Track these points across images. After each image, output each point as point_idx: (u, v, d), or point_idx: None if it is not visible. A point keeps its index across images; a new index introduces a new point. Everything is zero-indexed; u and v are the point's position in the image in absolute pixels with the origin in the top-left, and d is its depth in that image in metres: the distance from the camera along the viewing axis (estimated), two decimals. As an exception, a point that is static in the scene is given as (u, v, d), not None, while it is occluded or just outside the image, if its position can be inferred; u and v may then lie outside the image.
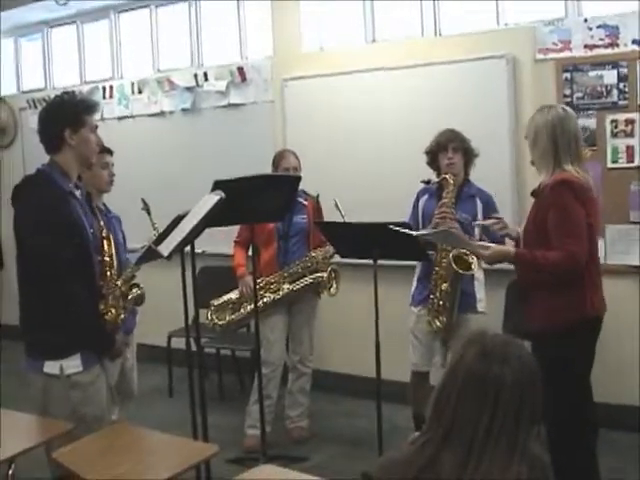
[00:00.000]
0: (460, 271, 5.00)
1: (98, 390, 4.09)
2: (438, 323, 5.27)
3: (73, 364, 3.94)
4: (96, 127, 4.18)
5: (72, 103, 4.09)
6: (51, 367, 3.92)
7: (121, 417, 4.90)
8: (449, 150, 5.36)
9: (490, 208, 5.43)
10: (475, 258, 4.88)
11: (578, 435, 4.27)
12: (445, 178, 5.33)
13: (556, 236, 4.17)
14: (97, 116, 4.37)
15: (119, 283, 4.30)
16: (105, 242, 4.19)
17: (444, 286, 5.21)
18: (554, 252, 4.16)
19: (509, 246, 4.65)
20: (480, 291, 5.40)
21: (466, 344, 2.26)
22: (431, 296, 5.29)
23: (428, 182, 5.49)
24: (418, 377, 5.56)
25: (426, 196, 5.54)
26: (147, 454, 3.68)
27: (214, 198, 4.21)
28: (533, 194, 4.45)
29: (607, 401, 5.55)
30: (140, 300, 4.65)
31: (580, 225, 4.17)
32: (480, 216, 5.37)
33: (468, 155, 5.43)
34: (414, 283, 5.59)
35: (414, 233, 4.66)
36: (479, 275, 5.38)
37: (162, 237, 4.29)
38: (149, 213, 5.00)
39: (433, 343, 5.47)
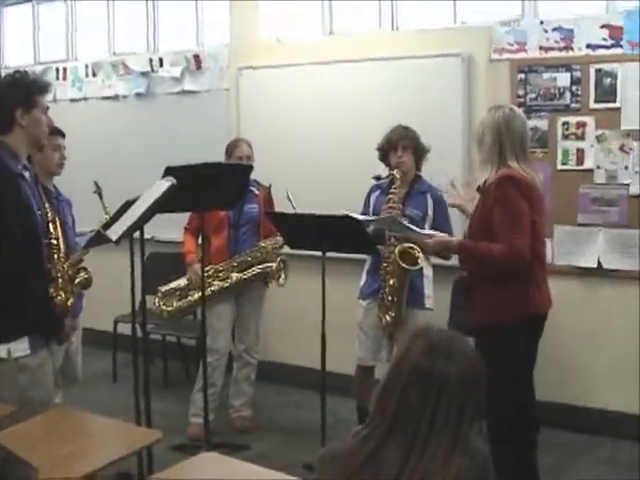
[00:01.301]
0: (405, 266, 5.03)
1: (45, 373, 4.05)
2: (388, 318, 5.29)
3: (21, 347, 3.88)
4: (47, 108, 4.12)
5: (24, 83, 4.02)
6: None
7: (64, 401, 4.87)
8: (399, 148, 5.39)
9: (441, 204, 5.46)
10: (421, 253, 4.92)
11: (519, 431, 4.32)
12: (393, 174, 5.36)
13: (501, 230, 4.21)
14: (50, 97, 4.32)
15: (66, 266, 4.26)
16: (51, 225, 4.13)
17: (392, 281, 5.24)
18: (498, 245, 4.21)
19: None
20: (428, 287, 5.43)
21: (412, 339, 2.28)
22: (381, 291, 5.32)
23: (378, 178, 5.55)
24: (363, 371, 5.58)
25: (377, 192, 5.57)
26: (90, 438, 3.66)
27: (165, 184, 4.19)
28: (479, 190, 4.50)
29: (548, 399, 5.62)
30: (87, 284, 4.63)
31: (524, 220, 4.22)
32: (430, 212, 5.42)
33: (419, 152, 5.47)
34: (363, 276, 5.61)
35: (360, 217, 4.72)
36: (428, 272, 5.42)
37: (111, 222, 4.27)
38: (101, 196, 4.96)
39: (380, 337, 5.50)
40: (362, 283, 5.60)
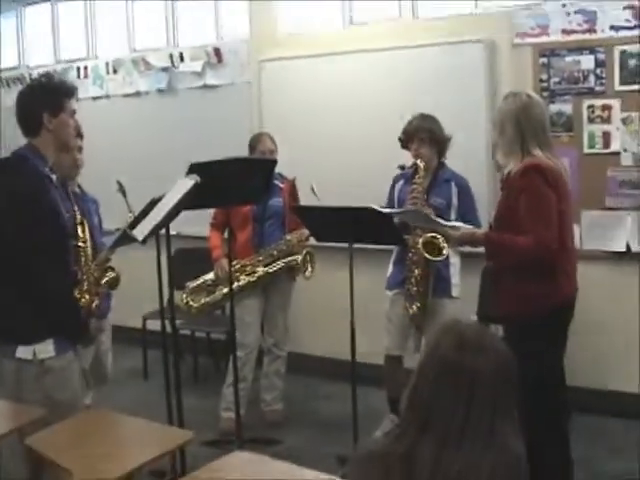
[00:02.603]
0: (429, 257, 5.02)
1: (71, 376, 4.05)
2: (415, 308, 5.29)
3: (46, 349, 3.89)
4: (74, 111, 4.14)
5: (51, 87, 4.04)
6: (24, 352, 3.89)
7: (95, 401, 4.89)
8: (415, 141, 5.38)
9: (466, 192, 5.44)
10: (446, 243, 4.90)
11: (551, 420, 4.29)
12: (416, 164, 5.35)
13: (526, 221, 4.15)
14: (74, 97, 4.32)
15: (93, 268, 4.26)
16: (79, 227, 4.15)
17: (417, 271, 5.24)
18: (523, 237, 4.15)
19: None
20: (455, 276, 5.43)
21: (440, 334, 2.26)
22: (406, 282, 5.31)
23: (403, 167, 5.54)
24: (392, 361, 5.58)
25: (402, 182, 5.56)
26: (122, 439, 3.68)
27: (189, 182, 4.18)
28: (502, 188, 4.45)
29: (579, 385, 5.60)
30: (115, 283, 4.62)
31: (551, 210, 4.16)
32: (455, 200, 5.39)
33: (438, 143, 5.44)
34: (390, 267, 5.61)
35: (384, 210, 4.69)
36: (454, 260, 5.41)
37: (137, 221, 4.26)
38: (125, 195, 4.96)
39: (407, 327, 5.49)
40: (389, 274, 5.61)
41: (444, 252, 5.00)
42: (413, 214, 4.95)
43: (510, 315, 4.27)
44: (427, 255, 5.02)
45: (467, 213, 5.33)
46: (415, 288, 5.29)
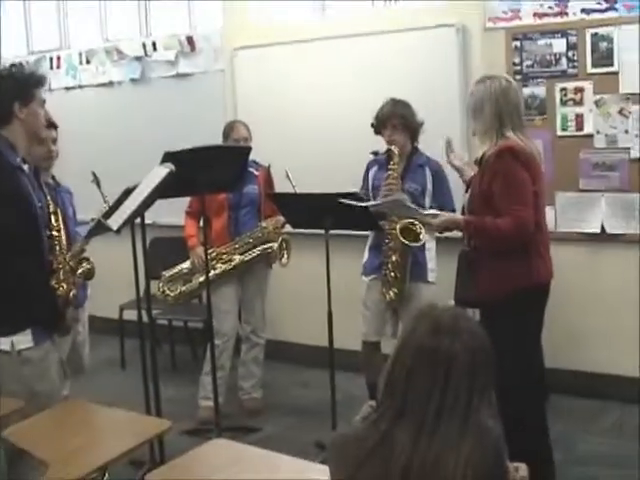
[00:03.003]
0: (407, 243, 5.02)
1: (49, 366, 4.04)
2: (392, 294, 5.30)
3: (24, 339, 3.89)
4: (44, 101, 4.12)
5: (21, 76, 4.02)
6: (2, 343, 3.87)
7: (72, 391, 4.87)
8: (387, 127, 5.37)
9: (440, 177, 5.44)
10: (423, 229, 4.90)
11: (528, 401, 4.31)
12: (390, 150, 5.34)
13: (503, 203, 4.18)
14: (45, 87, 4.30)
15: (68, 258, 4.24)
16: (53, 217, 4.13)
17: (394, 257, 5.24)
18: (503, 219, 4.18)
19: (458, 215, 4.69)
20: (431, 261, 5.42)
21: (416, 319, 2.26)
22: (383, 267, 5.32)
23: (376, 153, 5.53)
24: (369, 347, 5.58)
25: (375, 167, 5.55)
26: (100, 430, 3.69)
27: (164, 171, 4.17)
28: (476, 162, 4.47)
29: (557, 367, 5.64)
30: (90, 274, 4.60)
31: (526, 191, 4.20)
32: (430, 186, 5.40)
33: (411, 128, 5.42)
34: (366, 253, 5.60)
35: (364, 204, 4.69)
36: (431, 245, 5.40)
37: (111, 210, 4.26)
38: (99, 185, 4.94)
39: (384, 313, 5.50)
40: (365, 260, 5.60)
41: (421, 237, 5.00)
42: (392, 204, 4.93)
43: (486, 298, 4.28)
44: (405, 241, 5.02)
45: (441, 197, 5.34)
46: (392, 274, 5.29)
